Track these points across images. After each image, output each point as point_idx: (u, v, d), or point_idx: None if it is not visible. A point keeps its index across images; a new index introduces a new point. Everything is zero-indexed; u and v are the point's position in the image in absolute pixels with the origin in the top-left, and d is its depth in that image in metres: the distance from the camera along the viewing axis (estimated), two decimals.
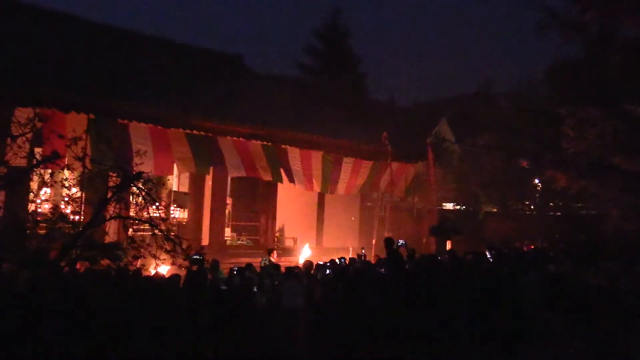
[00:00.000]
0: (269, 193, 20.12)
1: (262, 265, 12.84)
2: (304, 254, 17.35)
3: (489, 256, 12.53)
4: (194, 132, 16.50)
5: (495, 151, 21.42)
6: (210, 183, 18.29)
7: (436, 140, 23.96)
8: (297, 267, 11.40)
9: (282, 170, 18.30)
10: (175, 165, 16.52)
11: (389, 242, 10.98)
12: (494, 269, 10.61)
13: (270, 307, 8.75)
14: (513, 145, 19.82)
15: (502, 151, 20.79)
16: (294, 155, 18.69)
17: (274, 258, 13.90)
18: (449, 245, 16.38)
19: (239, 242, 20.44)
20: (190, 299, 8.25)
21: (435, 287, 9.18)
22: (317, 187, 19.45)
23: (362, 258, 14.51)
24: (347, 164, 19.93)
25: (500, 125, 20.18)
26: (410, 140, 22.74)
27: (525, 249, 16.54)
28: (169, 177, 17.88)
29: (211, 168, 17.13)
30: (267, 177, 18.10)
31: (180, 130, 16.22)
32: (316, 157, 19.18)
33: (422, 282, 9.54)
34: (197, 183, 18.05)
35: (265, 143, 17.96)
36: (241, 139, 17.47)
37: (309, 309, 8.86)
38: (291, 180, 18.58)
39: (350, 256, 15.23)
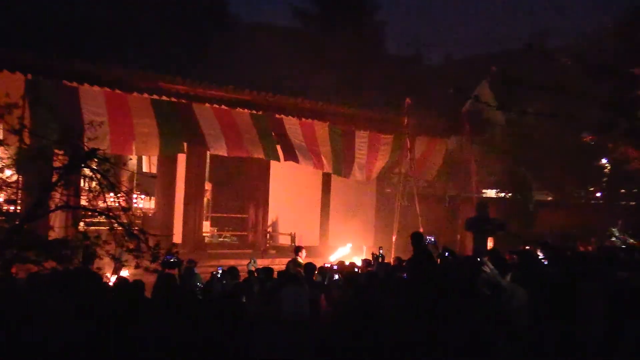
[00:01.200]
0: (260, 177, 20.11)
1: (250, 269, 12.87)
2: (341, 254, 17.30)
3: (541, 258, 12.48)
4: (163, 97, 16.48)
5: (551, 121, 21.28)
6: (184, 163, 18.27)
7: (475, 108, 23.80)
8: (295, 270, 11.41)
9: (278, 147, 18.20)
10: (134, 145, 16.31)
11: (417, 239, 10.92)
12: (548, 275, 10.56)
13: (265, 320, 8.76)
14: (574, 114, 19.70)
15: (560, 121, 20.65)
16: (293, 127, 18.65)
17: (301, 258, 14.00)
18: (490, 244, 16.35)
19: (221, 239, 20.48)
20: (158, 312, 8.23)
21: (473, 298, 9.15)
22: (328, 167, 19.41)
23: (380, 260, 14.52)
24: (362, 139, 19.92)
25: (558, 89, 20.02)
26: (441, 108, 22.64)
27: (589, 248, 16.50)
28: (131, 155, 17.86)
29: (185, 145, 17.01)
30: (258, 154, 17.91)
31: (145, 95, 16.20)
32: (321, 129, 19.20)
33: (456, 292, 9.50)
34: (167, 163, 18.05)
35: (254, 112, 17.92)
36: (223, 106, 17.45)
37: (314, 322, 8.89)
38: (292, 157, 18.45)
39: (364, 257, 15.23)
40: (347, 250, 17.69)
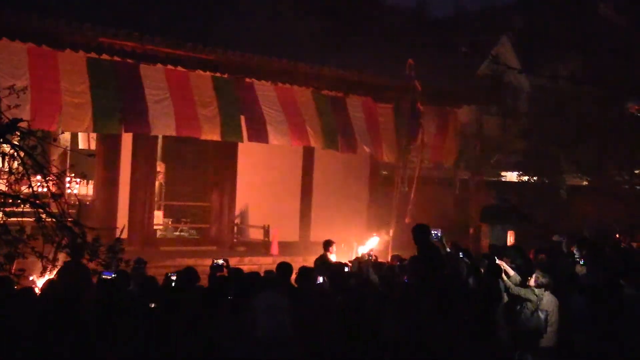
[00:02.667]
0: (226, 156, 20.03)
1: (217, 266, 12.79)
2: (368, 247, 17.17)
3: (577, 257, 12.52)
4: (103, 56, 16.35)
5: (587, 87, 21.30)
6: (130, 138, 18.15)
7: (493, 71, 23.85)
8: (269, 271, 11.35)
9: (243, 120, 18.06)
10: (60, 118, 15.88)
11: (421, 233, 10.85)
12: (584, 278, 10.60)
13: (234, 339, 8.70)
14: (616, 79, 19.72)
15: (599, 87, 20.67)
16: (267, 93, 18.54)
17: (333, 254, 14.12)
18: (511, 239, 16.42)
19: (178, 233, 20.41)
20: (100, 323, 8.19)
21: (491, 306, 9.17)
22: (315, 141, 19.33)
23: (372, 259, 14.51)
24: (354, 107, 19.89)
25: (596, 46, 20.02)
26: (451, 71, 22.63)
27: (634, 245, 16.62)
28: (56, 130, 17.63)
29: (122, 123, 16.65)
30: (213, 135, 17.69)
31: (81, 53, 16.04)
32: (303, 96, 19.18)
33: (470, 299, 9.52)
34: (108, 139, 17.92)
35: (216, 74, 17.82)
36: (180, 67, 17.34)
37: (296, 338, 8.85)
38: (259, 136, 18.30)
39: (355, 255, 15.22)
40: (375, 242, 17.46)
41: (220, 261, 11.67)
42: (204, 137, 17.69)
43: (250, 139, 18.27)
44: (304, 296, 9.85)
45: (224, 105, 17.71)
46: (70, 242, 7.70)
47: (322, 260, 13.65)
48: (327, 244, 14.57)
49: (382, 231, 17.85)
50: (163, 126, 16.95)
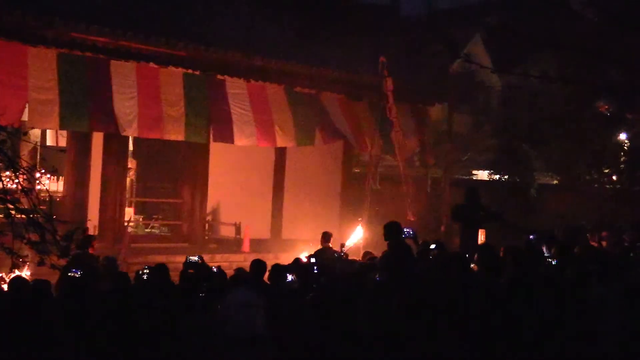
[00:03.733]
0: (198, 153, 19.97)
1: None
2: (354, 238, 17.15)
3: (546, 254, 12.58)
4: (74, 52, 16.25)
5: (558, 86, 21.41)
6: (101, 134, 18.05)
7: (464, 69, 23.94)
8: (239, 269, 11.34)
9: (210, 121, 17.92)
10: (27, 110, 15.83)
11: (392, 230, 10.89)
12: (553, 276, 10.65)
13: (205, 336, 8.68)
14: (587, 77, 19.82)
15: (570, 85, 20.78)
16: (238, 91, 18.52)
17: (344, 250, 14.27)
18: (482, 237, 16.48)
19: (149, 229, 20.33)
20: (69, 321, 8.14)
21: (461, 305, 9.17)
22: (283, 141, 19.29)
23: (343, 257, 14.55)
24: (330, 103, 20.05)
25: (568, 45, 20.10)
26: (423, 69, 22.71)
27: (603, 244, 16.70)
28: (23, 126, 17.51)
29: (89, 121, 16.49)
30: (177, 135, 17.54)
31: (54, 49, 15.94)
32: (276, 93, 19.14)
33: (442, 298, 9.52)
34: (79, 134, 17.81)
35: (188, 71, 17.76)
36: (152, 64, 17.27)
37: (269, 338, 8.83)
38: (224, 135, 18.23)
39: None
40: (359, 234, 17.42)
41: (195, 258, 11.66)
42: (166, 137, 17.63)
43: (214, 139, 18.26)
44: (277, 294, 9.84)
45: (191, 104, 17.64)
46: (41, 238, 7.65)
47: (325, 253, 13.69)
48: (328, 236, 14.64)
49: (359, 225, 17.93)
50: (127, 126, 16.86)
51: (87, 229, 16.24)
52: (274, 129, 18.95)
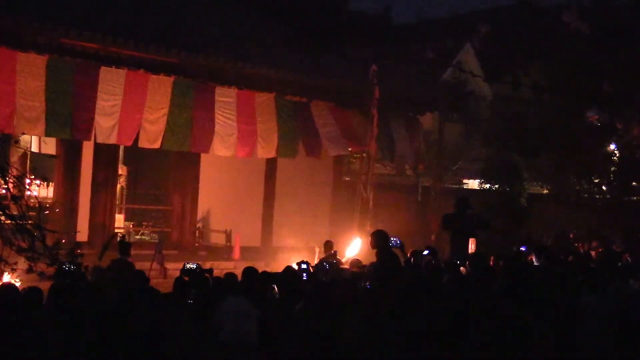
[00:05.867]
0: (188, 160, 19.96)
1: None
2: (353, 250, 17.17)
3: (536, 263, 12.62)
4: (65, 58, 16.23)
5: (549, 96, 21.48)
6: (92, 141, 18.03)
7: (456, 78, 23.98)
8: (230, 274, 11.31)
9: (192, 129, 17.88)
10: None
11: (379, 239, 10.91)
12: (542, 286, 10.66)
13: (197, 342, 8.65)
14: (578, 87, 19.88)
15: (560, 96, 20.86)
16: (227, 99, 18.47)
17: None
18: (472, 246, 16.51)
19: (139, 236, 20.29)
20: (56, 330, 8.10)
21: (452, 312, 9.16)
22: (264, 152, 19.26)
23: (336, 263, 14.54)
24: (320, 112, 20.02)
25: (560, 56, 20.16)
26: (414, 77, 22.75)
27: (592, 253, 16.77)
28: (12, 133, 17.41)
29: (71, 129, 16.36)
30: (155, 143, 17.42)
31: (46, 55, 15.94)
32: (264, 102, 19.10)
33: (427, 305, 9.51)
34: (69, 141, 17.77)
35: (179, 78, 17.75)
36: (142, 70, 17.26)
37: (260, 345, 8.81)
38: (203, 145, 18.11)
39: (317, 260, 15.23)
40: (357, 245, 17.47)
41: (193, 265, 11.64)
42: (146, 146, 17.56)
43: (193, 148, 18.21)
44: (267, 302, 9.84)
45: (175, 113, 17.57)
46: (30, 246, 7.62)
47: (332, 260, 13.71)
48: (330, 245, 14.73)
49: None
50: (107, 134, 16.78)
51: (124, 235, 16.96)
52: (256, 139, 18.87)
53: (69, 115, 16.15)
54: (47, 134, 16.38)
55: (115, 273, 11.43)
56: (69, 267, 8.44)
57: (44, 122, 15.82)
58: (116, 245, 14.22)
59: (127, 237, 16.51)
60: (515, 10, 35.00)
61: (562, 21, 22.85)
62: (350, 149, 21.10)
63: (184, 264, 11.63)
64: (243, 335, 8.72)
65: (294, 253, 17.64)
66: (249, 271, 10.27)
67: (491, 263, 12.77)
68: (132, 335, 8.41)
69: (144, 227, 20.68)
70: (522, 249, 14.44)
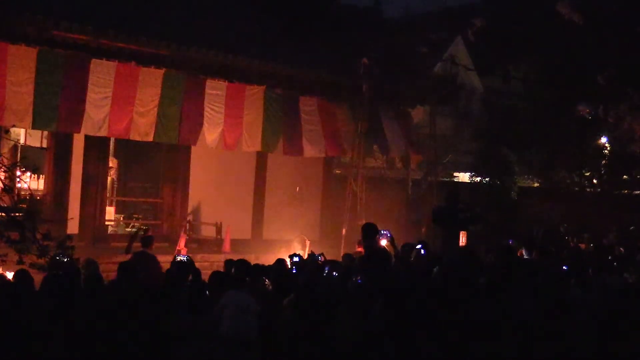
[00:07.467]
0: (179, 152, 19.95)
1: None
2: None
3: (526, 257, 12.66)
4: (56, 50, 16.16)
5: (539, 89, 21.46)
6: (82, 133, 18.00)
7: (447, 71, 23.95)
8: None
9: (181, 122, 17.92)
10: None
11: (369, 232, 10.94)
12: (533, 280, 10.70)
13: (196, 335, 8.64)
14: (569, 80, 19.85)
15: (551, 88, 20.84)
16: (215, 92, 18.49)
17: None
18: (463, 240, 16.54)
19: (129, 229, 20.27)
20: (48, 323, 8.10)
21: (438, 308, 9.18)
22: (248, 145, 19.27)
23: (321, 259, 14.51)
24: (309, 107, 19.99)
25: (551, 49, 20.13)
26: (406, 71, 22.73)
27: (582, 246, 16.83)
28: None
29: (57, 122, 16.33)
30: (146, 136, 17.48)
31: (34, 47, 15.86)
32: (253, 94, 19.10)
33: (419, 300, 9.53)
34: (60, 133, 17.74)
35: (170, 70, 17.75)
36: (133, 63, 17.22)
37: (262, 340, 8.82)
38: (191, 138, 18.24)
39: (308, 253, 15.25)
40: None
41: (184, 258, 11.65)
42: (136, 138, 17.57)
43: (181, 140, 18.25)
44: (260, 295, 9.84)
45: (165, 105, 17.58)
46: (21, 237, 7.64)
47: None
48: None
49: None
50: (97, 126, 16.76)
51: (149, 228, 17.28)
52: (241, 133, 18.92)
53: (55, 109, 16.08)
54: (34, 126, 16.38)
55: (140, 265, 11.69)
56: (62, 259, 8.46)
57: (31, 114, 15.76)
58: (139, 238, 14.72)
59: (147, 231, 16.51)
60: (507, 1, 34.93)
61: (555, 12, 22.82)
62: (327, 154, 21.02)
63: (174, 257, 11.67)
64: (242, 329, 8.73)
65: (284, 246, 17.69)
66: (242, 263, 10.30)
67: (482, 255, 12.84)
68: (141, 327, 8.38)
69: (134, 219, 20.65)
70: (510, 242, 14.48)
